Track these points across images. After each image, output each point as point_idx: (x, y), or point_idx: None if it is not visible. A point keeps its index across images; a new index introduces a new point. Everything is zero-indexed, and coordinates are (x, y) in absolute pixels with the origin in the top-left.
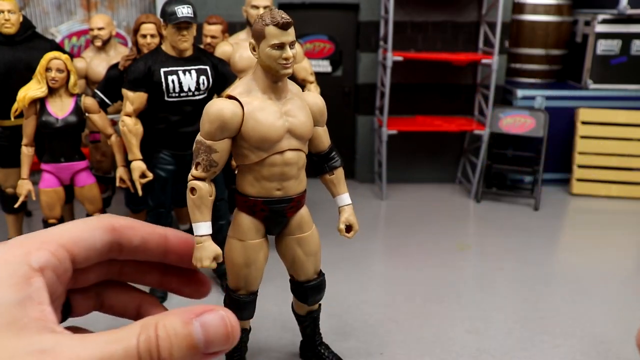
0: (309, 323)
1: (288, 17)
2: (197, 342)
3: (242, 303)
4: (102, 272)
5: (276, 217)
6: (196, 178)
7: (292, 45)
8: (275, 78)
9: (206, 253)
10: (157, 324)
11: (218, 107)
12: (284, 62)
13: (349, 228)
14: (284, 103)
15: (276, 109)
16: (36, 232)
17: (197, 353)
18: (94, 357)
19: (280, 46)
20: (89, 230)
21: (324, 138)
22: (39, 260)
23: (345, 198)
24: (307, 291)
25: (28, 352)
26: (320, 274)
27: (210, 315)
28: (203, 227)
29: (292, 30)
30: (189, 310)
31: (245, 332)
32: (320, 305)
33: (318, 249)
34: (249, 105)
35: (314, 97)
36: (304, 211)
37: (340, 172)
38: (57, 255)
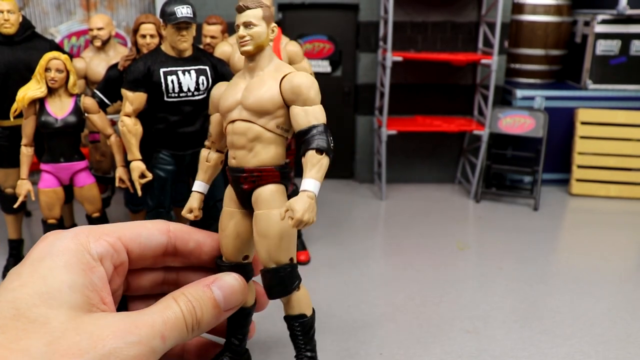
0: (290, 331)
1: (249, 3)
2: (218, 302)
3: (221, 269)
4: (157, 280)
5: (236, 185)
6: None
7: (246, 25)
8: (247, 59)
9: (187, 204)
10: (184, 294)
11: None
12: (240, 40)
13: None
14: (252, 80)
15: (240, 85)
16: (98, 225)
17: (219, 311)
18: (155, 323)
19: (238, 27)
20: (146, 230)
21: (298, 118)
22: (98, 250)
23: (305, 182)
24: (264, 278)
25: (101, 325)
26: (282, 266)
27: (223, 279)
28: (195, 184)
29: (248, 12)
30: (205, 279)
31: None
32: (304, 322)
33: (273, 235)
34: (229, 83)
35: (291, 76)
36: (265, 190)
37: (311, 155)
38: (114, 246)
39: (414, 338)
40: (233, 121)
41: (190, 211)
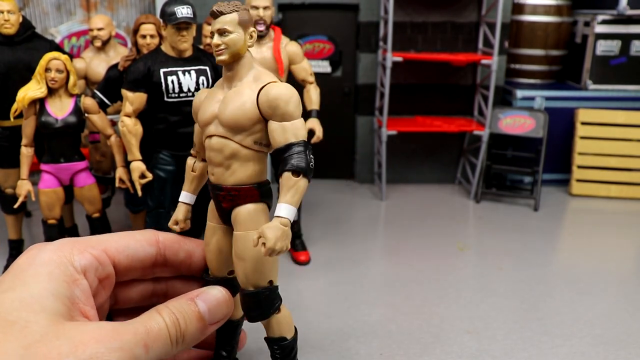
0: (271, 353)
1: (223, 8)
2: (203, 315)
3: (207, 283)
4: (146, 291)
5: (216, 201)
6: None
7: (220, 32)
8: (225, 68)
9: (172, 216)
10: (168, 307)
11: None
12: (215, 49)
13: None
14: (229, 91)
15: (219, 96)
16: (84, 237)
17: (204, 324)
18: (137, 331)
19: (212, 34)
20: (134, 241)
21: (275, 134)
22: (82, 263)
23: (279, 208)
24: (242, 301)
25: (83, 331)
26: (260, 290)
27: (208, 292)
28: (180, 195)
29: (223, 18)
30: (189, 293)
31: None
32: (284, 345)
33: (250, 258)
34: (209, 92)
35: (269, 87)
36: (244, 209)
37: (286, 179)
38: (99, 259)
39: (414, 338)
40: (210, 136)
41: (176, 223)
